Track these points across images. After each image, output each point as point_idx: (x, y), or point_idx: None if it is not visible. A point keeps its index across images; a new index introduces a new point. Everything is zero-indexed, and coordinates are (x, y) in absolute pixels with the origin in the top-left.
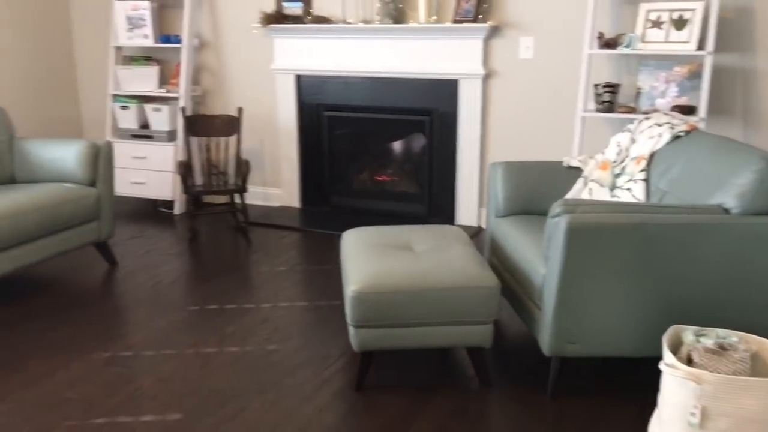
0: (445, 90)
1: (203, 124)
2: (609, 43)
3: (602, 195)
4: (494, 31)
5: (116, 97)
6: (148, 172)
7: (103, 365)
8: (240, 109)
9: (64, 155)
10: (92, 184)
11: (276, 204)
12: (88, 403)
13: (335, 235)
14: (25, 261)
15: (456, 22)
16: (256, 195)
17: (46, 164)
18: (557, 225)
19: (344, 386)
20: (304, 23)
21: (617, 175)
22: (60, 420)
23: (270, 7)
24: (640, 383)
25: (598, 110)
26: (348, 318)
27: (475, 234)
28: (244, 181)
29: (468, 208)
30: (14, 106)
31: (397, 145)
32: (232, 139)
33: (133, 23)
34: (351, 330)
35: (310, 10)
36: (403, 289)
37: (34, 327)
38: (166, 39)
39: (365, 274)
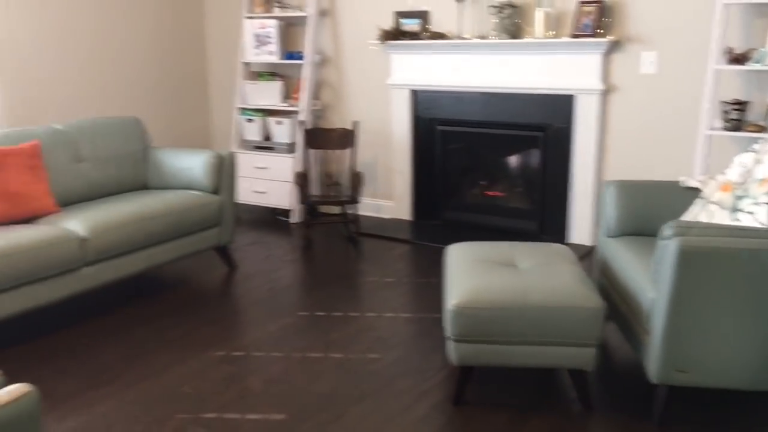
0: (561, 105)
1: (321, 137)
2: (738, 59)
3: (722, 218)
4: (614, 46)
5: (243, 111)
6: (269, 181)
7: (216, 363)
8: (356, 123)
9: (192, 164)
10: (216, 192)
11: (387, 216)
12: (200, 398)
13: (444, 249)
14: (155, 261)
15: (574, 36)
16: (369, 206)
17: (176, 172)
18: (667, 247)
19: (442, 399)
20: (421, 39)
21: (739, 198)
22: (174, 412)
23: (388, 24)
24: (756, 418)
25: (725, 128)
26: (447, 332)
27: (586, 254)
28: (357, 192)
29: (581, 227)
30: (150, 118)
31: (510, 161)
32: (348, 151)
33: (261, 40)
34: (450, 344)
35: (427, 27)
36: (503, 306)
37: (159, 323)
38: (290, 55)
39: (466, 288)
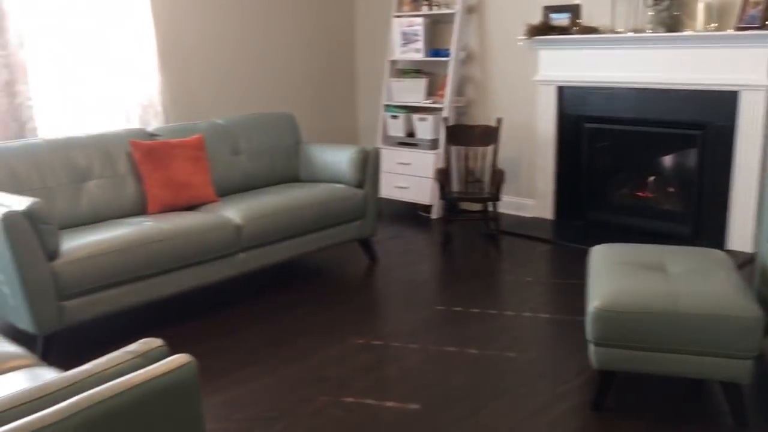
0: (722, 102)
1: (463, 134)
2: None
3: None
4: None
5: (388, 107)
6: (411, 177)
7: (356, 350)
8: (499, 120)
9: (339, 159)
10: (360, 185)
11: (528, 215)
12: (341, 382)
13: (587, 250)
14: (301, 250)
15: (739, 29)
16: (510, 204)
17: (324, 166)
18: None
19: (580, 404)
20: (571, 34)
21: None
22: (317, 394)
23: (536, 19)
24: None
25: None
26: (588, 334)
27: (746, 261)
28: (498, 190)
29: (742, 233)
30: (301, 114)
31: (663, 160)
32: (490, 148)
33: (408, 38)
34: (591, 347)
35: (578, 21)
36: (649, 310)
37: (303, 310)
38: (436, 52)
39: (610, 290)
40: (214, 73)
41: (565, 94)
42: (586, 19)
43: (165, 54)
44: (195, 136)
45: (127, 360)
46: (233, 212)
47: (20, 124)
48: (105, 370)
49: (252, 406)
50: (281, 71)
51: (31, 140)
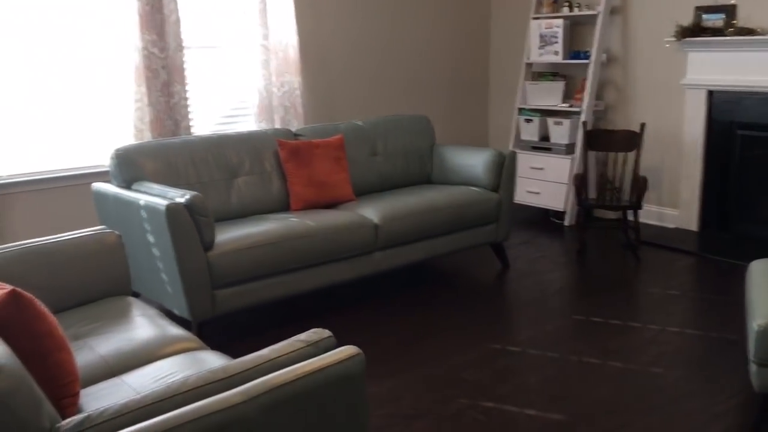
0: None
1: (602, 139)
2: None
3: None
4: None
5: (522, 111)
6: (544, 182)
7: (494, 355)
8: (643, 125)
9: (474, 162)
10: (495, 189)
11: (671, 225)
12: (479, 386)
13: (738, 265)
14: (435, 252)
15: None
16: (650, 214)
17: (458, 169)
18: None
19: (738, 426)
20: (725, 35)
21: None
22: (455, 396)
23: (687, 19)
24: None
25: None
26: (750, 354)
27: None
28: (640, 198)
29: None
30: (434, 116)
31: None
32: (631, 154)
33: (546, 40)
34: (752, 367)
35: (733, 22)
36: None
37: (437, 312)
38: (575, 55)
39: None
40: (350, 75)
41: (716, 99)
42: (742, 20)
43: (305, 56)
44: (336, 137)
45: (299, 348)
46: (371, 212)
47: (175, 122)
48: (279, 356)
49: (391, 404)
50: (416, 73)
51: (188, 137)
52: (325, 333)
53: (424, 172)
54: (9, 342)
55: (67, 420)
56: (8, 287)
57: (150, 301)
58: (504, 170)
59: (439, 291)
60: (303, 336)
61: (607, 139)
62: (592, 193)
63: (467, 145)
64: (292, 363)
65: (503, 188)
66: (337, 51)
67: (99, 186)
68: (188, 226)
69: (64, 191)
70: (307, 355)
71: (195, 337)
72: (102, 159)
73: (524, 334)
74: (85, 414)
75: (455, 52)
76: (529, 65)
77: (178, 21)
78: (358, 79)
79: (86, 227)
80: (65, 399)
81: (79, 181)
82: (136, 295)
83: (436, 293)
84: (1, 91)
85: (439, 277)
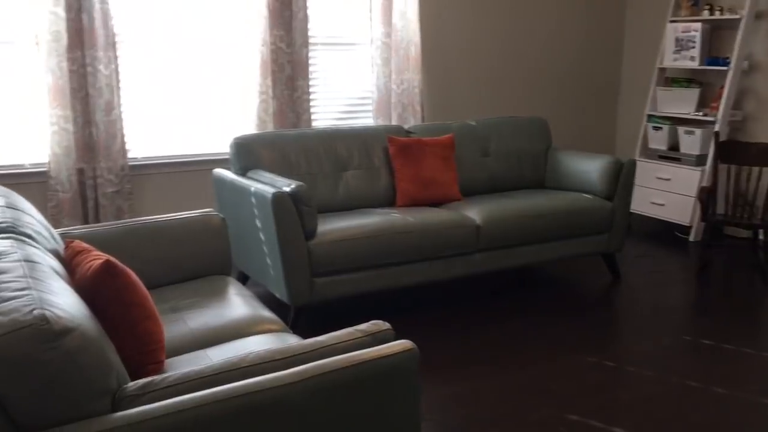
0: None
1: (737, 151)
2: None
3: None
4: None
5: (650, 118)
6: (670, 194)
7: (586, 368)
8: None
9: (589, 168)
10: (609, 198)
11: None
12: (566, 398)
13: None
14: (540, 257)
15: None
16: None
17: (572, 174)
18: None
19: None
20: None
21: None
22: (539, 406)
23: None
24: None
25: None
26: None
27: None
28: None
29: None
30: (554, 118)
31: None
32: (767, 169)
33: (682, 45)
34: None
35: None
36: None
37: (535, 318)
38: (713, 61)
39: None
40: (470, 75)
41: None
42: None
43: (426, 54)
44: (447, 136)
45: (357, 338)
46: (475, 212)
47: (297, 115)
48: (337, 343)
49: (472, 405)
50: (538, 72)
51: (303, 130)
52: (384, 325)
53: (537, 176)
54: (99, 308)
55: (134, 382)
56: (104, 257)
57: (257, 284)
58: (621, 178)
59: (540, 298)
60: (363, 326)
61: (744, 152)
62: (721, 209)
63: (590, 151)
64: (347, 351)
65: (619, 197)
66: (459, 50)
67: (219, 171)
68: (292, 214)
69: (190, 174)
70: (363, 345)
71: (280, 320)
72: (225, 147)
73: (624, 349)
74: (150, 379)
75: (583, 52)
76: (663, 70)
77: (305, 18)
78: (478, 79)
79: (207, 208)
80: (150, 365)
81: (204, 167)
82: (245, 277)
83: (536, 300)
84: (139, 84)
85: (543, 283)
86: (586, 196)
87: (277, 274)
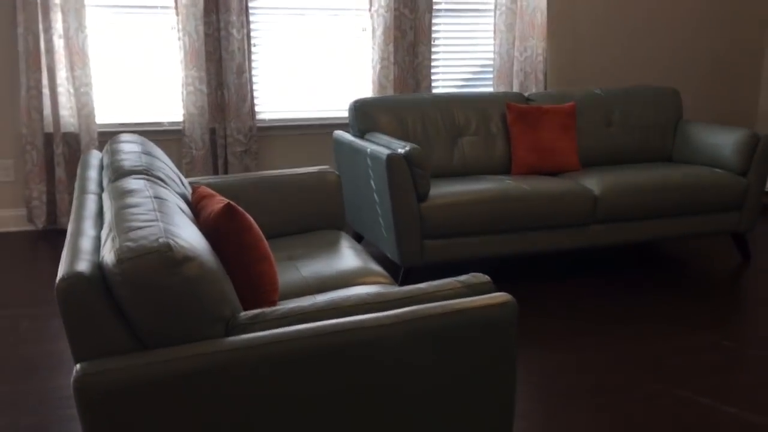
0: None
1: None
2: None
3: None
4: None
5: None
6: None
7: (703, 347)
8: None
9: (722, 142)
10: (743, 173)
11: None
12: (678, 374)
13: None
14: (661, 233)
15: None
16: None
17: (703, 148)
18: None
19: None
20: None
21: None
22: (650, 381)
23: None
24: None
25: None
26: None
27: None
28: None
29: None
30: (688, 90)
31: None
32: None
33: None
34: None
35: None
36: None
37: (653, 294)
38: None
39: None
40: (597, 42)
41: None
42: None
43: (552, 20)
44: (568, 104)
45: (456, 288)
46: (593, 183)
47: (417, 81)
48: (436, 291)
49: (577, 375)
50: (675, 42)
51: (421, 95)
52: (483, 278)
53: (664, 149)
54: (220, 248)
55: (245, 313)
56: (225, 201)
57: (370, 245)
58: (758, 153)
59: (660, 274)
60: (462, 277)
61: None
62: None
63: (727, 125)
64: (446, 300)
65: (753, 173)
66: (587, 16)
67: (339, 133)
68: (405, 176)
69: (313, 137)
70: (461, 295)
71: (388, 275)
72: (347, 111)
73: (747, 332)
74: (261, 310)
75: (723, 18)
76: None
77: None
78: (606, 47)
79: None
80: (263, 305)
81: (326, 130)
82: (359, 238)
83: (655, 276)
84: (268, 49)
85: (664, 260)
86: (718, 170)
87: (389, 235)
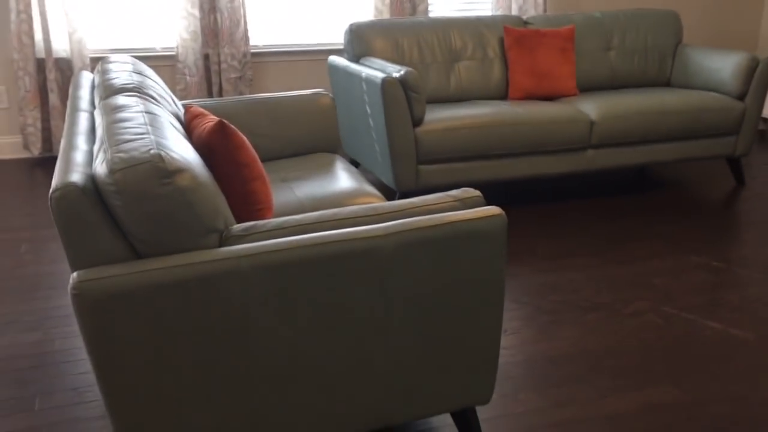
0: None
1: None
2: None
3: None
4: None
5: None
6: None
7: (693, 268)
8: None
9: (721, 66)
10: (741, 98)
11: None
12: (667, 293)
13: None
14: (657, 157)
15: None
16: None
17: (702, 72)
18: None
19: None
20: None
21: None
22: (638, 298)
23: None
24: None
25: None
26: None
27: None
28: None
29: None
30: (689, 13)
31: None
32: None
33: None
34: None
35: None
36: None
37: (647, 217)
38: None
39: None
40: None
41: None
42: None
43: None
44: (566, 27)
45: (447, 202)
46: (590, 107)
47: (413, 5)
48: (426, 205)
49: (570, 293)
50: None
51: (417, 19)
52: (474, 192)
53: (663, 73)
54: (213, 165)
55: (238, 225)
56: (216, 118)
57: (366, 172)
58: (756, 77)
59: (655, 197)
60: (454, 192)
61: None
62: None
63: (728, 48)
64: (436, 213)
65: (751, 97)
66: None
67: (333, 59)
68: (400, 100)
69: (308, 63)
70: (452, 209)
71: (382, 195)
72: (341, 37)
73: (737, 252)
74: (254, 223)
75: None
76: None
77: None
78: None
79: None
80: None
81: (321, 56)
82: (356, 164)
83: (650, 199)
84: None
85: (659, 184)
86: (715, 94)
87: (384, 160)
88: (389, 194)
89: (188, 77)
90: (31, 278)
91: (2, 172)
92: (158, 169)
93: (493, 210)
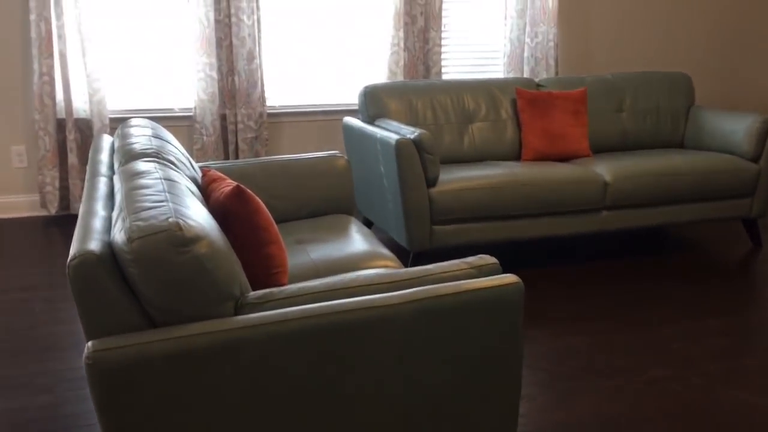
0: None
1: None
2: None
3: None
4: None
5: None
6: None
7: (712, 332)
8: None
9: (734, 128)
10: (755, 159)
11: None
12: (686, 359)
13: None
14: (673, 218)
15: None
16: None
17: (715, 134)
18: None
19: None
20: None
21: None
22: (656, 364)
23: None
24: None
25: None
26: None
27: None
28: None
29: None
30: (700, 75)
31: None
32: None
33: None
34: None
35: None
36: None
37: (662, 280)
38: None
39: None
40: (609, 28)
41: None
42: None
43: (564, 6)
44: (579, 90)
45: (463, 269)
46: (603, 169)
47: (427, 67)
48: (443, 272)
49: (586, 358)
50: (685, 25)
51: (431, 81)
52: (491, 259)
53: (676, 135)
54: (229, 229)
55: (254, 292)
56: (234, 183)
57: (380, 231)
58: None
59: (671, 259)
60: (470, 259)
61: None
62: None
63: (742, 110)
64: (453, 281)
65: (765, 159)
66: (598, 2)
67: (348, 120)
68: (414, 161)
69: (323, 123)
70: (468, 276)
71: (396, 258)
72: (357, 98)
73: (757, 318)
74: (270, 290)
75: (738, 6)
76: None
77: None
78: (618, 33)
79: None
80: (273, 286)
81: (336, 116)
82: (369, 224)
83: (666, 260)
84: (278, 35)
85: (675, 246)
86: (729, 156)
87: (398, 220)
88: (403, 254)
89: (205, 137)
90: (46, 338)
91: (19, 230)
92: (176, 238)
93: (510, 278)
